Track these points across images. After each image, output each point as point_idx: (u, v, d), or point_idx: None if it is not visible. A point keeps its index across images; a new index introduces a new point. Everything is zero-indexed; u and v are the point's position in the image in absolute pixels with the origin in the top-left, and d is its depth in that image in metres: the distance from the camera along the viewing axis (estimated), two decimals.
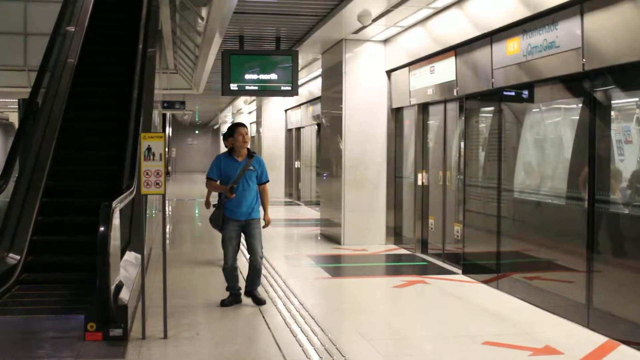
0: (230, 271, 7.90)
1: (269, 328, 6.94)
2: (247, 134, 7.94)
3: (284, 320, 7.25)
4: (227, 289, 7.98)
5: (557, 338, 6.62)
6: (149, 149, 6.41)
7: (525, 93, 8.62)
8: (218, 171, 7.94)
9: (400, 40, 11.92)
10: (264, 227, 8.07)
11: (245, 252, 8.20)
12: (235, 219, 7.82)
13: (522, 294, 8.20)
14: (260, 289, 8.07)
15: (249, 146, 8.00)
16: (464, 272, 9.72)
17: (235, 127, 7.95)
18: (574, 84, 7.51)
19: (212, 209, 8.35)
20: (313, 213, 18.49)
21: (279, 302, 8.07)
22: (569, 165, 7.70)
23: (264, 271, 8.71)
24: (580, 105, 7.40)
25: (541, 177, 8.38)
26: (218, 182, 7.96)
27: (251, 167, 7.85)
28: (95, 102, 11.32)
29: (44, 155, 9.81)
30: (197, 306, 7.89)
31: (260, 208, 8.01)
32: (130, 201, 8.05)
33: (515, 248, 8.76)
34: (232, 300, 7.91)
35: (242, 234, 7.93)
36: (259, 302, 7.89)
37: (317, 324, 7.05)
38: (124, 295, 6.62)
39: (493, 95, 9.10)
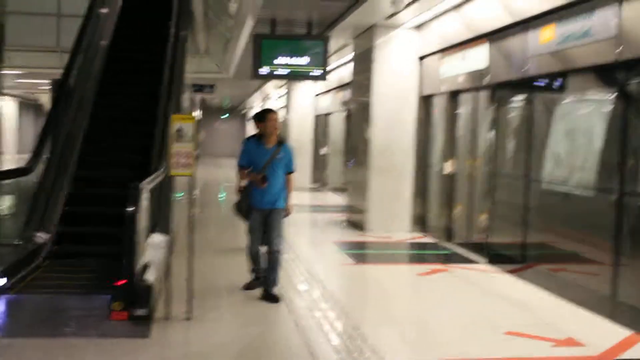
0: (254, 254, 7.67)
1: (293, 312, 6.97)
2: (277, 120, 7.61)
3: (308, 305, 7.29)
4: (252, 270, 7.81)
5: (580, 330, 6.59)
6: (179, 130, 6.44)
7: (557, 83, 8.56)
8: (248, 158, 7.61)
9: (432, 27, 11.85)
10: (284, 216, 7.75)
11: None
12: (259, 208, 7.50)
13: (547, 285, 8.17)
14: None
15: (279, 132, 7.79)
16: (489, 262, 9.69)
17: (267, 113, 7.60)
18: (607, 74, 7.44)
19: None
20: (339, 199, 18.50)
21: (303, 287, 8.11)
22: (599, 157, 7.63)
23: (288, 255, 8.71)
24: (613, 96, 7.33)
25: (570, 168, 8.31)
26: (247, 171, 7.64)
27: (279, 155, 7.51)
28: (127, 82, 11.41)
29: (75, 136, 9.92)
30: (221, 289, 7.95)
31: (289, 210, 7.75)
32: (159, 183, 8.12)
33: (541, 239, 8.72)
34: (256, 283, 7.74)
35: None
36: (273, 299, 7.37)
37: (341, 309, 7.08)
38: (150, 275, 6.69)
39: (524, 85, 9.03)
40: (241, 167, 7.69)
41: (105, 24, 12.14)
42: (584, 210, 7.99)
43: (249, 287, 7.78)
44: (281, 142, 7.64)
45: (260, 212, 7.50)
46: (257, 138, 7.64)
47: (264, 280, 7.57)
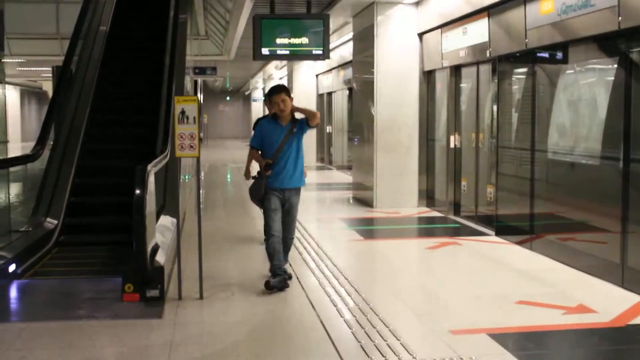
0: (276, 245, 6.95)
1: (303, 289, 7.01)
2: (284, 100, 7.00)
3: (318, 281, 7.32)
4: (272, 268, 6.97)
5: (591, 297, 6.62)
6: (182, 112, 6.46)
7: (559, 54, 8.53)
8: (260, 138, 7.18)
9: (432, 2, 11.82)
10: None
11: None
12: (277, 188, 7.03)
13: (556, 255, 8.19)
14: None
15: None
16: (497, 234, 9.72)
17: (272, 95, 7.11)
18: (609, 43, 7.42)
19: (251, 181, 7.42)
20: (345, 177, 18.53)
21: (312, 263, 8.14)
22: (604, 125, 7.63)
23: (296, 233, 8.71)
24: (616, 65, 7.31)
25: (575, 138, 8.30)
26: (260, 152, 7.20)
27: (295, 131, 7.03)
28: (128, 68, 11.42)
29: (78, 121, 9.95)
30: (232, 269, 7.99)
31: (304, 176, 7.28)
32: (165, 166, 8.15)
33: (549, 209, 8.73)
34: (280, 281, 6.90)
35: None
36: (289, 277, 7.18)
37: (351, 285, 7.11)
38: (160, 257, 6.73)
39: (526, 56, 9.01)
40: (252, 147, 7.34)
41: (103, 10, 12.13)
42: (590, 179, 7.99)
43: (272, 285, 6.86)
44: (296, 119, 7.11)
45: (279, 192, 7.06)
46: (272, 116, 7.23)
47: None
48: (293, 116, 7.11)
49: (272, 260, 6.96)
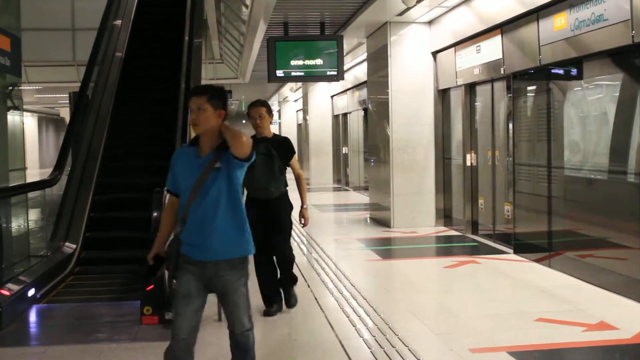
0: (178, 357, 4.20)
1: (322, 309, 7.00)
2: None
3: (336, 301, 7.31)
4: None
5: (612, 314, 6.56)
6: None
7: (573, 69, 8.52)
8: (173, 176, 4.38)
9: (445, 21, 11.85)
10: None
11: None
12: (191, 260, 4.23)
13: (575, 272, 8.13)
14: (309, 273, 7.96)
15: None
16: (516, 252, 9.67)
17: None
18: (623, 57, 7.40)
19: None
20: (362, 198, 18.51)
21: (331, 284, 8.13)
22: (621, 141, 7.59)
23: (314, 254, 8.64)
24: (630, 79, 7.29)
25: (591, 154, 8.27)
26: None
27: (218, 165, 4.16)
28: (144, 93, 11.50)
29: (95, 146, 10.02)
30: (250, 290, 7.96)
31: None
32: None
33: (568, 226, 8.68)
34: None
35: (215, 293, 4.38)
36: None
37: (369, 304, 7.09)
38: None
39: (540, 73, 9.01)
40: (169, 192, 4.48)
41: (118, 36, 12.24)
42: (608, 195, 7.94)
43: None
44: (222, 147, 4.16)
45: (194, 265, 4.21)
46: (192, 142, 4.43)
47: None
48: (224, 143, 4.16)
49: None
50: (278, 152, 6.71)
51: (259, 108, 6.78)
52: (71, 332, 6.34)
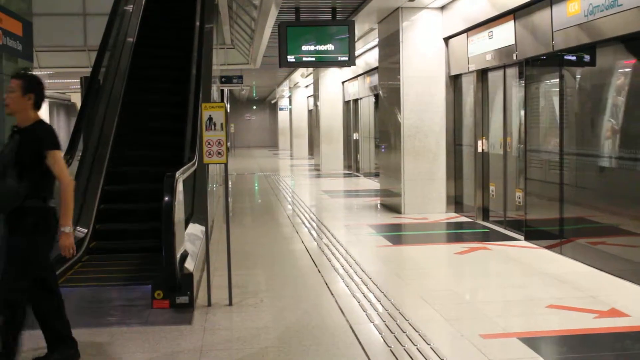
0: None
1: (332, 294, 7.00)
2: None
3: (347, 287, 7.31)
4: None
5: (623, 301, 6.54)
6: (210, 118, 6.49)
7: (587, 56, 8.46)
8: None
9: (457, 6, 11.79)
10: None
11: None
12: None
13: (587, 259, 8.11)
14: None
15: None
16: (527, 239, 9.64)
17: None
18: (637, 43, 7.34)
19: None
20: (372, 184, 18.50)
21: (341, 270, 8.13)
22: (632, 127, 7.55)
23: (324, 240, 8.61)
24: None
25: (604, 141, 8.23)
26: None
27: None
28: (155, 77, 11.51)
29: (107, 130, 10.03)
30: (260, 275, 8.00)
31: None
32: (193, 174, 8.18)
33: (579, 213, 8.65)
34: None
35: None
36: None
37: (380, 290, 7.09)
38: (189, 264, 6.77)
39: (553, 59, 8.95)
40: None
41: (129, 22, 12.23)
42: (621, 182, 7.91)
43: None
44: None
45: None
46: None
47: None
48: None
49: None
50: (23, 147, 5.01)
51: (11, 80, 5.12)
52: (82, 315, 6.35)
